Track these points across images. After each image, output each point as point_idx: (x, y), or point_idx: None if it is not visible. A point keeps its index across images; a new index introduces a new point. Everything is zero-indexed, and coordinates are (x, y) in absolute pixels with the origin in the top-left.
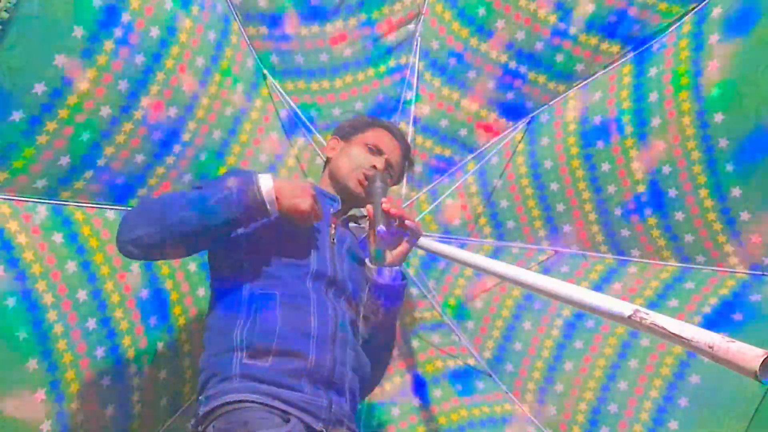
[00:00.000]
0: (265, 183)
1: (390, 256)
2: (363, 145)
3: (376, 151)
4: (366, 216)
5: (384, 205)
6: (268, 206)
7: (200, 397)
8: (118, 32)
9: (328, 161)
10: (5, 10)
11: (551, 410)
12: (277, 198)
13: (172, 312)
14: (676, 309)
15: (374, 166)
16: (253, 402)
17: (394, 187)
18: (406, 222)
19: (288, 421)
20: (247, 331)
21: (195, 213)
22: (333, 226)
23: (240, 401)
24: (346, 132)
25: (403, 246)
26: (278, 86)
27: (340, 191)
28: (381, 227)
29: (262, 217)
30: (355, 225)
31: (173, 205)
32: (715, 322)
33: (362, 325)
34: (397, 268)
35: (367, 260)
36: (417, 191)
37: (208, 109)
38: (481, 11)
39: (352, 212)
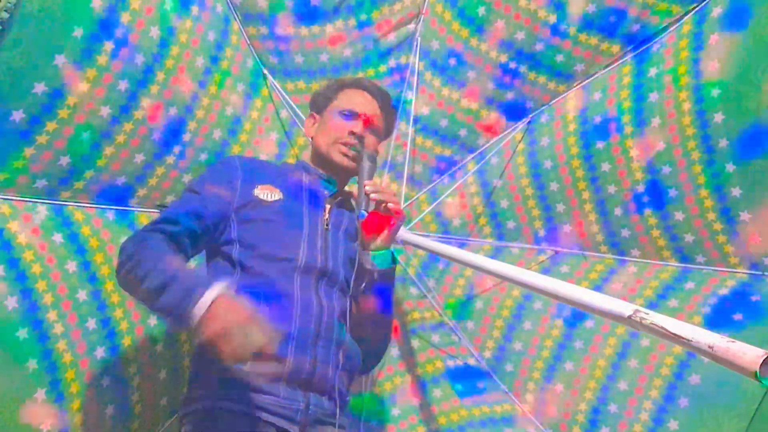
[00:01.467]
0: (201, 305)
1: (378, 239)
2: (336, 113)
3: (350, 114)
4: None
5: (366, 188)
6: (191, 323)
7: (182, 397)
8: (118, 32)
9: (311, 142)
10: (5, 10)
11: (551, 410)
12: (207, 320)
13: None
14: (676, 309)
15: (352, 132)
16: (224, 410)
17: (394, 186)
18: (389, 206)
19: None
20: None
21: (149, 297)
22: (327, 210)
23: (211, 408)
24: (319, 105)
25: (390, 229)
26: (278, 86)
27: (329, 168)
28: (362, 212)
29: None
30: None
31: (143, 281)
32: (715, 322)
33: (356, 309)
34: (387, 252)
35: (356, 244)
36: (417, 191)
37: (208, 109)
38: (481, 11)
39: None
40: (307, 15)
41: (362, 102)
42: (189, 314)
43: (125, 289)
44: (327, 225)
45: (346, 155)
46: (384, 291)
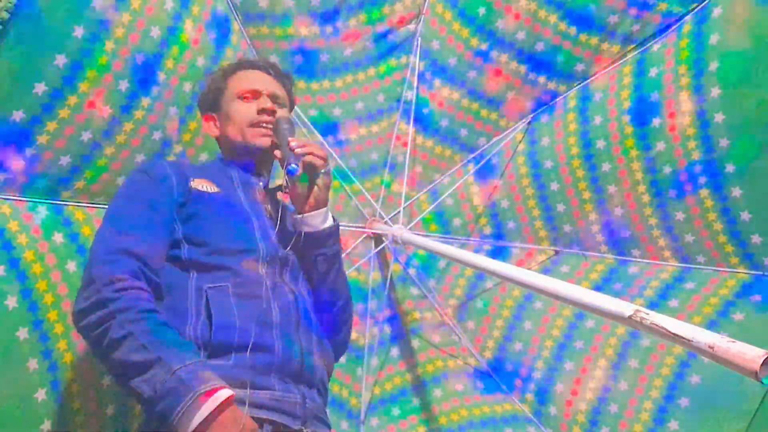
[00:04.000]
0: (200, 414)
1: (311, 200)
2: (235, 100)
3: (252, 95)
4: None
5: (291, 144)
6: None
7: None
8: (118, 32)
9: (219, 142)
10: (5, 10)
11: (551, 410)
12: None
13: None
14: (676, 309)
15: (261, 110)
16: None
17: (394, 186)
18: (314, 161)
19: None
20: (201, 328)
21: (118, 369)
22: (265, 202)
23: None
24: (211, 102)
25: (320, 183)
26: None
27: (251, 157)
28: (292, 165)
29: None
30: (280, 192)
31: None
32: (715, 321)
33: (308, 281)
34: (324, 210)
35: (292, 214)
36: (417, 191)
37: None
38: (482, 11)
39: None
40: (308, 15)
41: (255, 79)
42: (176, 418)
43: (85, 337)
44: (270, 215)
45: (265, 135)
46: (330, 255)
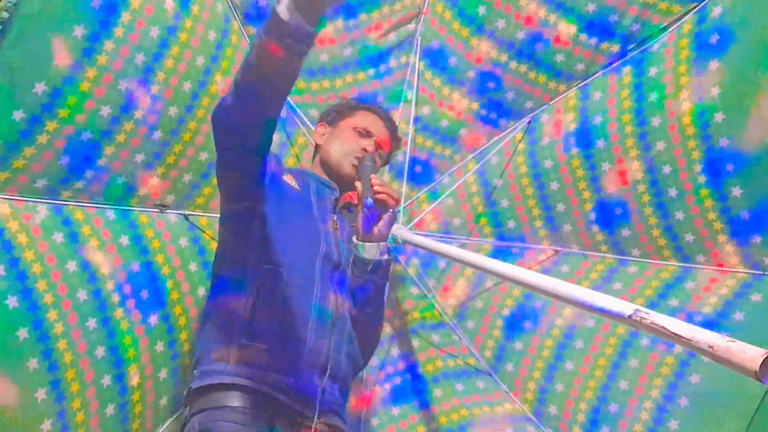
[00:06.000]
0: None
1: (375, 231)
2: (352, 128)
3: (365, 133)
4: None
5: (373, 180)
6: (281, 14)
7: (195, 371)
8: (118, 32)
9: (317, 148)
10: (5, 10)
11: (551, 410)
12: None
13: (172, 312)
14: (676, 309)
15: (365, 149)
16: (242, 387)
17: (394, 186)
18: (386, 198)
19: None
20: (249, 310)
21: (247, 68)
22: (334, 213)
23: (229, 384)
24: (332, 117)
25: (385, 219)
26: None
27: (334, 177)
28: (369, 199)
29: (282, 30)
30: (349, 212)
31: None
32: (715, 321)
33: (351, 303)
34: (383, 243)
35: (354, 237)
36: (417, 191)
37: (208, 109)
38: (481, 11)
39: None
40: None
41: (377, 126)
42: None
43: (246, 101)
44: (336, 224)
45: (355, 167)
46: (378, 285)
